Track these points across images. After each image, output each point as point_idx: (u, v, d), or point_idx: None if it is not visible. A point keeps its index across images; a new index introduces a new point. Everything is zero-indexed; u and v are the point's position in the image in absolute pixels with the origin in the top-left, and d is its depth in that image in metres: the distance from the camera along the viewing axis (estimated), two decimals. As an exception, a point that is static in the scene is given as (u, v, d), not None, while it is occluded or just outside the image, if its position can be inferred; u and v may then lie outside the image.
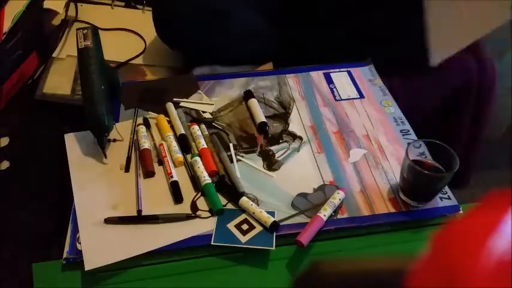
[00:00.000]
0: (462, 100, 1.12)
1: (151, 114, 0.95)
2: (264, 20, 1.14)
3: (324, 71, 1.08)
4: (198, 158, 0.85)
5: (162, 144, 0.88)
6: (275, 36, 1.17)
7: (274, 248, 0.73)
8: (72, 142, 0.89)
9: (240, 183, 0.82)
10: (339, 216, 0.79)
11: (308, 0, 1.15)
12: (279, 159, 0.88)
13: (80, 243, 0.73)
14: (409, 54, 1.08)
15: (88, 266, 0.70)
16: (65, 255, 0.72)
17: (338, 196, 0.80)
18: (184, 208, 0.79)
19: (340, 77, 1.07)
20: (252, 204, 0.78)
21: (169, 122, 0.93)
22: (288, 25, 1.19)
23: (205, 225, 0.76)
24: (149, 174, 0.84)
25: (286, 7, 1.17)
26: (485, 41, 1.27)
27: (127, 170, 0.84)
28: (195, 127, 0.92)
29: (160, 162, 0.86)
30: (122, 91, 0.99)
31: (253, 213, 0.77)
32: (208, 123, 0.94)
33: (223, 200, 0.80)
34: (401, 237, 0.78)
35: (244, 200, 0.78)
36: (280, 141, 0.92)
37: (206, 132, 0.91)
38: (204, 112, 0.96)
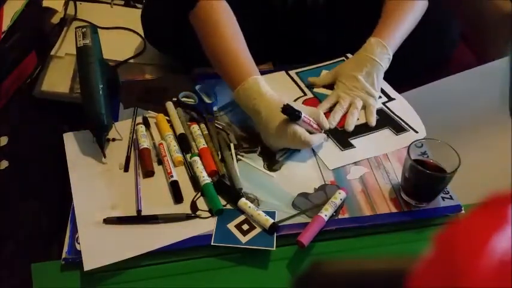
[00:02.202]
0: None
1: (151, 113, 0.95)
2: (264, 20, 1.13)
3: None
4: (197, 158, 0.85)
5: (161, 143, 0.87)
6: (275, 37, 1.17)
7: (274, 249, 0.73)
8: (71, 141, 0.88)
9: (238, 181, 0.81)
10: (340, 216, 0.78)
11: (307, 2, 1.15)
12: (280, 159, 0.87)
13: (79, 243, 0.72)
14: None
15: (87, 267, 0.69)
16: (64, 256, 0.71)
17: (339, 196, 0.79)
18: (184, 208, 0.78)
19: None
20: (250, 207, 0.77)
21: (169, 121, 0.93)
22: (287, 25, 1.18)
23: (205, 225, 0.76)
24: (149, 173, 0.83)
25: (285, 8, 1.16)
26: (486, 41, 1.27)
27: (126, 169, 0.84)
28: (195, 126, 0.91)
29: (160, 162, 0.85)
30: (121, 90, 0.98)
31: (252, 215, 0.76)
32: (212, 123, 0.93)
33: (223, 201, 0.79)
34: (403, 238, 0.77)
35: (242, 202, 0.78)
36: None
37: (206, 132, 0.91)
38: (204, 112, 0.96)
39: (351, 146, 0.90)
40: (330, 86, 1.01)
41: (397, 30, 0.98)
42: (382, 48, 0.96)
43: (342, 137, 0.92)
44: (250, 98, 0.87)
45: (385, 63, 0.97)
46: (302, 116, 0.83)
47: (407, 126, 0.94)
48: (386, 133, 0.93)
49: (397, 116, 0.96)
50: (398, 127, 0.94)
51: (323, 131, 0.89)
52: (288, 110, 0.82)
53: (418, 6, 1.01)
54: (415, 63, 1.08)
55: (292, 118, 0.83)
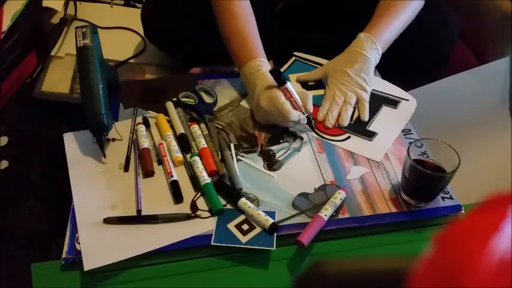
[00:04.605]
0: None
1: (151, 113, 0.95)
2: (264, 19, 1.13)
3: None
4: (197, 158, 0.84)
5: (161, 143, 0.87)
6: (275, 36, 1.17)
7: (274, 248, 0.73)
8: (71, 141, 0.88)
9: (238, 180, 0.81)
10: (340, 216, 0.78)
11: (308, 2, 1.15)
12: (280, 159, 0.88)
13: (79, 243, 0.72)
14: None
15: (87, 266, 0.69)
16: (64, 256, 0.71)
17: (339, 196, 0.79)
18: (184, 208, 0.78)
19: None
20: (250, 207, 0.77)
21: (169, 121, 0.93)
22: (288, 25, 1.18)
23: (205, 225, 0.76)
24: (149, 173, 0.83)
25: (286, 7, 1.16)
26: (486, 41, 1.27)
27: (126, 169, 0.84)
28: (195, 126, 0.91)
29: (160, 162, 0.85)
30: (121, 90, 0.98)
31: (252, 215, 0.76)
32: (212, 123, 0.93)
33: (223, 201, 0.79)
34: (403, 237, 0.77)
35: (242, 202, 0.78)
36: (281, 141, 0.91)
37: (206, 132, 0.91)
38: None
39: (374, 133, 0.92)
40: (321, 86, 1.01)
41: (387, 28, 0.99)
42: (372, 43, 0.96)
43: (361, 129, 0.93)
44: (253, 77, 0.92)
45: (374, 57, 0.97)
46: (288, 83, 0.88)
47: (398, 98, 0.98)
48: (387, 110, 0.97)
49: (383, 93, 0.99)
50: (391, 101, 0.98)
51: (305, 115, 0.91)
52: (276, 72, 0.88)
53: (411, 6, 1.01)
54: (414, 60, 1.08)
55: (278, 81, 0.88)
